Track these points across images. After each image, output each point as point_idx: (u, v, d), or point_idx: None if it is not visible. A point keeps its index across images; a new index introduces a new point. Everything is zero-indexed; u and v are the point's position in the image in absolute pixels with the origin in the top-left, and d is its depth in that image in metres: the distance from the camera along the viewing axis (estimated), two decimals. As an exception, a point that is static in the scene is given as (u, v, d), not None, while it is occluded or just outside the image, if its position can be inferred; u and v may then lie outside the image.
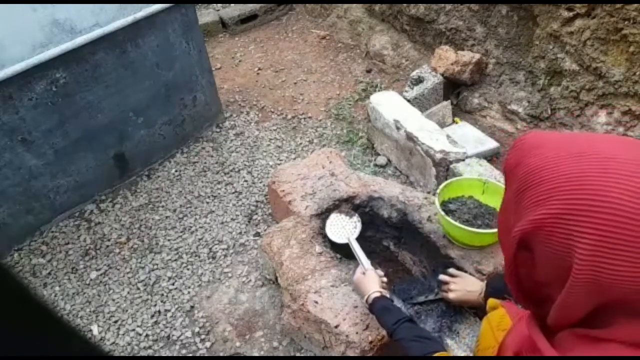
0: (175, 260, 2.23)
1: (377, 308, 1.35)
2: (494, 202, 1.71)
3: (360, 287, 1.47)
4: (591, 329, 0.58)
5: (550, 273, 0.59)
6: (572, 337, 0.61)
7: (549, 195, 0.57)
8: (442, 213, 1.62)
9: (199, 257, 2.24)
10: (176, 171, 2.72)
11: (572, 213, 0.54)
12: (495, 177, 2.13)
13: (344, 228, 1.87)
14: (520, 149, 0.66)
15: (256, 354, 1.84)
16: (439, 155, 2.24)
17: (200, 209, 2.48)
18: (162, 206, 2.51)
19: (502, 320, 1.00)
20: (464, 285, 1.49)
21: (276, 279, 1.92)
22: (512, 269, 0.67)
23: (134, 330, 1.96)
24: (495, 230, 1.58)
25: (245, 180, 2.63)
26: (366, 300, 1.41)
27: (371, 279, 1.45)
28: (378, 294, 1.39)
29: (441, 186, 1.73)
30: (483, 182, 1.74)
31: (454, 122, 2.82)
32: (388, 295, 1.40)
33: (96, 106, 2.33)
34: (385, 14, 3.49)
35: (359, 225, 1.88)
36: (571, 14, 2.26)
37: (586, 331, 0.59)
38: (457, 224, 1.58)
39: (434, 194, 2.20)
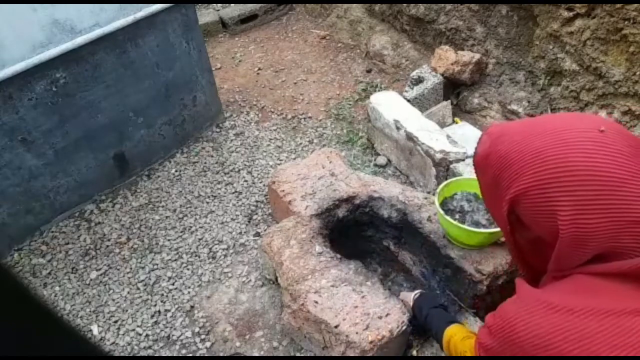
0: (175, 260, 2.23)
1: (422, 297, 1.50)
2: None
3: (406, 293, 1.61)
4: (579, 267, 0.68)
5: (542, 232, 0.70)
6: (550, 277, 0.73)
7: (520, 172, 0.68)
8: (442, 212, 1.62)
9: (199, 257, 2.24)
10: (176, 171, 2.72)
11: (547, 182, 0.65)
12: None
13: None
14: (487, 141, 0.77)
15: (256, 354, 1.84)
16: (439, 155, 2.24)
17: (200, 209, 2.48)
18: (162, 206, 2.51)
19: None
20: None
21: (276, 279, 1.92)
22: (510, 238, 0.76)
23: (134, 330, 1.96)
24: (493, 230, 1.58)
25: (245, 180, 2.63)
26: (414, 295, 1.53)
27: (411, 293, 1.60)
28: (423, 292, 1.56)
29: (441, 186, 1.73)
30: None
31: (454, 122, 2.82)
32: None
33: (96, 106, 2.33)
34: (385, 14, 3.49)
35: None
36: (571, 14, 2.26)
37: (570, 271, 0.69)
38: (456, 222, 1.58)
39: (434, 194, 2.21)
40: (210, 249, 2.27)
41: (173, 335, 1.93)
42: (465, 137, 2.56)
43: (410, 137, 2.38)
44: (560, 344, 0.63)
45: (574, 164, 0.63)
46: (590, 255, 0.66)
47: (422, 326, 1.44)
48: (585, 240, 0.64)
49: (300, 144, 2.88)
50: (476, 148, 0.80)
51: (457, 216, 1.67)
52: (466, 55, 2.80)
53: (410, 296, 1.53)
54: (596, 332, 0.62)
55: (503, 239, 1.65)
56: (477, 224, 1.64)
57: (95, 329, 1.97)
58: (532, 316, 0.68)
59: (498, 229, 1.57)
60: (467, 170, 2.18)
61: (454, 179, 1.80)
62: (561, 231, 0.64)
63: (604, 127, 0.65)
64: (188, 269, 2.18)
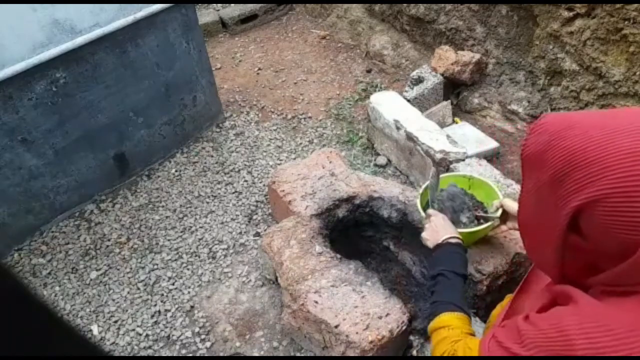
0: (175, 260, 2.23)
1: (446, 249, 1.19)
2: (480, 197, 1.66)
3: (439, 227, 1.28)
4: None
5: (609, 244, 0.58)
6: (601, 291, 0.62)
7: (601, 174, 0.56)
8: (423, 214, 1.53)
9: (199, 257, 2.24)
10: (176, 171, 2.72)
11: (638, 188, 0.53)
12: (495, 176, 2.13)
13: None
14: (545, 133, 0.64)
15: (256, 354, 1.84)
16: (439, 155, 2.24)
17: (200, 209, 2.48)
18: (162, 206, 2.51)
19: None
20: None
21: (276, 279, 1.92)
22: (559, 247, 0.64)
23: (134, 330, 1.96)
24: (471, 229, 1.52)
25: (245, 180, 2.63)
26: (442, 239, 1.22)
27: (451, 228, 1.29)
28: (456, 241, 1.22)
29: (423, 186, 1.65)
30: (468, 178, 1.71)
31: (454, 122, 2.82)
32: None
33: (96, 106, 2.33)
34: (385, 14, 3.49)
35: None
36: (571, 14, 2.26)
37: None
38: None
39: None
40: (210, 249, 2.27)
41: (173, 335, 1.93)
42: (465, 137, 2.56)
43: (410, 137, 2.38)
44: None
45: None
46: None
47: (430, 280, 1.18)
48: None
49: (300, 144, 2.88)
50: (526, 140, 0.68)
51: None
52: (466, 55, 2.80)
53: (438, 237, 1.23)
54: None
55: (490, 233, 1.62)
56: (458, 221, 1.57)
57: (95, 329, 1.97)
58: (604, 334, 0.58)
59: (478, 228, 1.51)
60: (467, 170, 2.17)
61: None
62: None
63: None
64: (188, 269, 2.18)
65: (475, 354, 0.79)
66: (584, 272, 0.66)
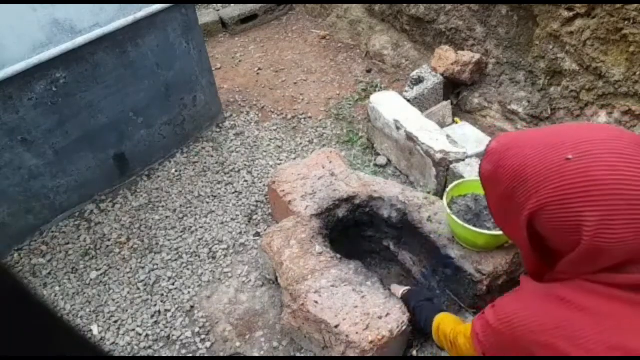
0: (175, 260, 2.23)
1: (411, 292, 1.59)
2: None
3: (397, 291, 1.66)
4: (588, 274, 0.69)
5: (560, 243, 0.69)
6: (551, 279, 0.75)
7: (538, 186, 0.67)
8: (449, 211, 1.61)
9: (199, 257, 2.24)
10: (176, 171, 2.72)
11: (570, 196, 0.64)
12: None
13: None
14: (494, 154, 0.75)
15: (256, 354, 1.84)
16: (439, 155, 2.24)
17: (200, 209, 2.48)
18: (162, 206, 2.51)
19: None
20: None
21: (276, 279, 1.92)
22: (528, 250, 0.76)
23: (134, 330, 1.96)
24: (498, 232, 1.57)
25: (245, 180, 2.63)
26: (402, 291, 1.61)
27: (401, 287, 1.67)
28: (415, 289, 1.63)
29: (451, 185, 1.73)
30: None
31: (454, 122, 2.82)
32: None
33: (96, 106, 2.33)
34: (385, 14, 3.49)
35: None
36: (571, 14, 2.26)
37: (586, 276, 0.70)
38: (462, 222, 1.57)
39: (434, 194, 2.21)
40: (210, 249, 2.27)
41: (173, 335, 1.93)
42: (465, 137, 2.56)
43: (410, 137, 2.38)
44: (553, 332, 0.68)
45: (597, 176, 0.62)
46: (603, 266, 0.66)
47: (413, 317, 1.52)
48: (605, 251, 0.63)
49: (300, 144, 2.88)
50: (482, 162, 0.79)
51: (464, 216, 1.67)
52: (466, 55, 2.80)
53: (399, 291, 1.61)
54: (594, 332, 0.65)
55: (509, 242, 1.65)
56: (482, 225, 1.63)
57: (95, 329, 1.97)
58: (531, 314, 0.72)
59: (498, 233, 1.57)
60: (467, 170, 2.18)
61: (466, 179, 1.79)
62: (583, 243, 0.64)
63: (619, 136, 0.65)
64: (188, 269, 2.18)
65: (467, 331, 0.96)
66: (550, 267, 0.76)
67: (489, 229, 1.61)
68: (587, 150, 0.64)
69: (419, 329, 1.61)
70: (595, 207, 0.62)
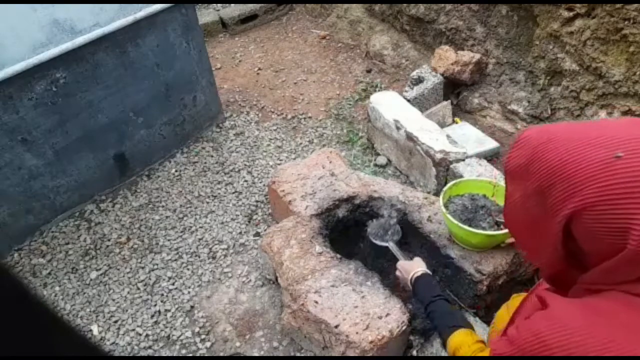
0: (175, 260, 2.23)
1: (420, 282, 1.34)
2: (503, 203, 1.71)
3: (405, 267, 1.43)
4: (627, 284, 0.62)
5: (598, 247, 0.62)
6: (581, 290, 0.68)
7: (583, 184, 0.60)
8: (444, 210, 1.62)
9: (199, 257, 2.24)
10: (176, 171, 2.72)
11: (619, 196, 0.57)
12: (495, 177, 2.13)
13: (385, 232, 1.81)
14: (527, 146, 0.68)
15: (256, 354, 1.84)
16: (439, 155, 2.24)
17: (200, 209, 2.48)
18: (162, 206, 2.51)
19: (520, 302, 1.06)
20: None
21: (276, 279, 1.92)
22: (556, 252, 0.68)
23: (134, 330, 1.96)
24: (491, 232, 1.57)
25: (245, 180, 2.63)
26: (410, 278, 1.36)
27: (417, 262, 1.44)
28: (422, 272, 1.36)
29: (449, 184, 1.73)
30: (493, 185, 1.73)
31: (454, 122, 2.82)
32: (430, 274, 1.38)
33: (96, 106, 2.33)
34: (385, 14, 3.49)
35: (399, 231, 1.82)
36: (571, 14, 2.26)
37: (623, 287, 0.63)
38: (456, 221, 1.58)
39: (434, 194, 2.21)
40: (210, 249, 2.27)
41: (173, 335, 1.93)
42: (465, 137, 2.56)
43: (410, 137, 2.38)
44: (597, 353, 0.60)
45: None
46: (638, 275, 0.61)
47: (417, 297, 1.34)
48: None
49: (300, 144, 2.88)
50: (509, 154, 0.72)
51: (460, 215, 1.67)
52: (466, 55, 2.80)
53: (409, 274, 1.38)
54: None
55: (507, 241, 1.65)
56: (478, 225, 1.64)
57: (95, 329, 1.97)
58: (568, 334, 0.63)
59: (497, 232, 1.57)
60: (467, 170, 2.18)
61: (463, 179, 1.80)
62: (629, 248, 0.58)
63: None
64: (188, 269, 2.18)
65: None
66: (577, 273, 0.69)
67: (484, 228, 1.62)
68: (636, 147, 0.58)
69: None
70: None
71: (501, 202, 1.70)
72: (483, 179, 1.88)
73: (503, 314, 1.21)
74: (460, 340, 1.07)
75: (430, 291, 1.28)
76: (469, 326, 1.13)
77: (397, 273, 1.47)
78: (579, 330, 0.63)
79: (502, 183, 1.74)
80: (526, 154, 0.68)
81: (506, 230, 1.56)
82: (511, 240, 1.64)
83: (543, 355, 0.65)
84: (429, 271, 1.38)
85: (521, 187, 0.70)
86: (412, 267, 1.40)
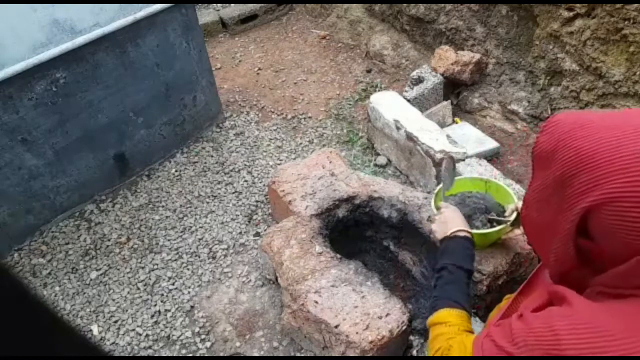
0: (175, 260, 2.23)
1: (453, 242, 1.15)
2: (497, 200, 1.69)
3: (449, 216, 1.24)
4: None
5: (614, 245, 0.58)
6: (598, 293, 0.63)
7: (610, 177, 0.56)
8: (435, 212, 1.59)
9: (199, 257, 2.24)
10: (176, 171, 2.72)
11: None
12: (495, 177, 2.14)
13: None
14: (556, 132, 0.64)
15: (256, 354, 1.84)
16: (439, 155, 2.24)
17: (200, 209, 2.48)
18: (162, 206, 2.51)
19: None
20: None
21: (276, 279, 1.92)
22: (567, 247, 0.63)
23: (134, 330, 1.96)
24: (485, 231, 1.55)
25: (245, 180, 2.63)
26: (449, 233, 1.18)
27: (462, 219, 1.25)
28: (464, 234, 1.18)
29: (439, 185, 1.72)
30: (485, 182, 1.73)
31: (454, 122, 2.82)
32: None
33: (96, 106, 2.33)
34: (385, 14, 3.49)
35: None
36: (571, 14, 2.26)
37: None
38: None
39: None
40: (210, 249, 2.27)
41: (173, 335, 1.93)
42: (465, 137, 2.56)
43: (410, 137, 2.38)
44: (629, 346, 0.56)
45: None
46: None
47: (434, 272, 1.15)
48: None
49: (300, 144, 2.88)
50: (538, 137, 0.68)
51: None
52: (466, 55, 2.80)
53: (446, 229, 1.19)
54: None
55: (504, 237, 1.64)
56: (471, 224, 1.61)
57: (95, 329, 1.97)
58: (594, 336, 0.58)
59: (490, 230, 1.54)
60: (467, 170, 2.18)
61: (456, 178, 1.79)
62: None
63: None
64: (188, 269, 2.18)
65: (469, 352, 0.79)
66: (587, 273, 0.66)
67: (477, 227, 1.59)
68: None
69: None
70: None
71: (493, 199, 1.67)
72: (475, 176, 1.87)
73: (494, 313, 1.19)
74: (447, 316, 0.97)
75: (458, 256, 1.10)
76: (469, 313, 1.03)
77: (436, 218, 1.28)
78: (610, 335, 0.58)
79: (493, 180, 1.72)
80: (554, 139, 0.64)
81: (498, 228, 1.53)
82: (507, 235, 1.62)
83: (551, 354, 0.61)
84: (470, 236, 1.18)
85: (543, 173, 0.67)
86: (457, 224, 1.19)
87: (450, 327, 0.95)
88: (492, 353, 0.70)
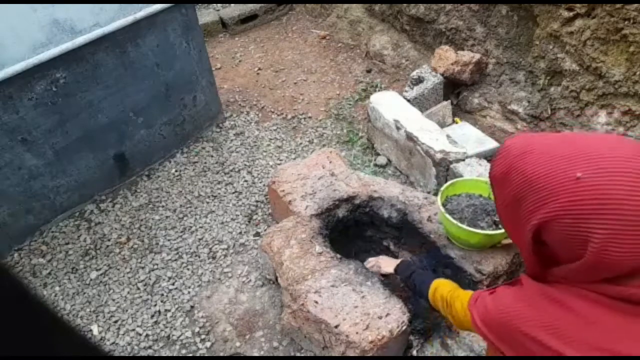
0: (175, 260, 2.23)
1: (401, 265, 1.49)
2: None
3: (385, 261, 1.64)
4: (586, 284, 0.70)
5: (564, 253, 0.70)
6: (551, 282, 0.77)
7: (551, 198, 0.66)
8: (443, 210, 1.62)
9: (199, 257, 2.24)
10: (176, 171, 2.72)
11: (583, 212, 0.63)
12: (495, 177, 2.13)
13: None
14: (508, 156, 0.74)
15: (256, 354, 1.84)
16: (439, 155, 2.24)
17: (200, 209, 2.48)
18: (162, 206, 2.51)
19: None
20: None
21: (276, 279, 1.92)
22: (531, 257, 0.77)
23: (134, 330, 1.96)
24: (491, 232, 1.58)
25: (245, 180, 2.63)
26: (395, 270, 1.51)
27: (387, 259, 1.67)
28: (400, 260, 1.55)
29: (446, 184, 1.73)
30: (490, 185, 1.73)
31: (454, 122, 2.82)
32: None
33: (96, 106, 2.33)
34: (385, 14, 3.49)
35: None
36: (571, 14, 2.26)
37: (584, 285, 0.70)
38: (455, 221, 1.57)
39: (435, 194, 2.21)
40: (210, 249, 2.27)
41: (173, 335, 1.93)
42: (465, 137, 2.56)
43: (410, 137, 2.38)
44: (546, 329, 0.71)
45: (615, 197, 0.61)
46: (603, 277, 0.67)
47: (407, 285, 1.44)
48: (607, 266, 0.64)
49: (300, 144, 2.88)
50: (493, 161, 0.78)
51: (458, 215, 1.67)
52: (466, 55, 2.80)
53: (391, 265, 1.55)
54: (584, 333, 0.68)
55: (503, 242, 1.66)
56: (476, 225, 1.64)
57: (95, 329, 1.97)
58: (532, 300, 0.75)
59: (496, 232, 1.58)
60: (467, 170, 2.18)
61: (460, 178, 1.80)
62: (588, 256, 0.64)
63: (636, 154, 0.63)
64: (188, 269, 2.18)
65: (466, 300, 0.97)
66: (549, 269, 0.77)
67: (482, 228, 1.62)
68: (603, 167, 0.63)
69: (416, 295, 1.62)
70: (604, 225, 0.62)
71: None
72: (480, 178, 1.88)
73: None
74: (439, 281, 1.22)
75: (413, 266, 1.45)
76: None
77: (373, 261, 1.69)
78: (535, 306, 0.74)
79: None
80: (506, 164, 0.74)
81: (503, 230, 1.56)
82: (507, 241, 1.64)
83: (506, 322, 0.77)
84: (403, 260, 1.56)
85: (503, 193, 0.77)
86: (387, 261, 1.62)
87: (445, 285, 1.18)
88: (472, 313, 0.88)
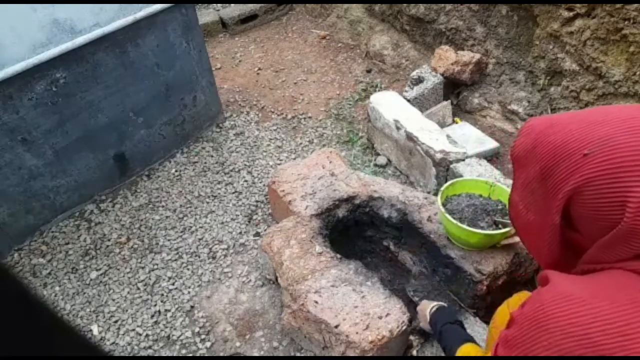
0: (175, 260, 2.23)
1: (437, 312, 1.40)
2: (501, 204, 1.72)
3: (422, 306, 1.53)
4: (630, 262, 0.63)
5: (596, 225, 0.65)
6: (579, 271, 0.70)
7: (584, 161, 0.62)
8: (443, 209, 1.62)
9: (199, 257, 2.24)
10: (176, 171, 2.72)
11: (619, 169, 0.60)
12: (495, 177, 2.14)
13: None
14: (532, 132, 0.71)
15: (256, 354, 1.84)
16: (439, 155, 2.24)
17: (200, 209, 2.48)
18: (162, 206, 2.51)
19: (521, 299, 1.05)
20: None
21: (276, 279, 1.92)
22: (554, 236, 0.70)
23: (134, 330, 1.96)
24: (490, 232, 1.58)
25: (245, 180, 2.63)
26: (429, 310, 1.43)
27: (425, 302, 1.53)
28: (437, 305, 1.44)
29: (446, 184, 1.74)
30: (490, 185, 1.73)
31: (454, 122, 2.82)
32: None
33: (96, 106, 2.33)
34: (385, 14, 3.49)
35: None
36: (571, 14, 2.26)
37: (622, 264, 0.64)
38: (455, 221, 1.58)
39: (435, 194, 2.21)
40: (210, 249, 2.27)
41: (173, 335, 1.93)
42: (465, 137, 2.56)
43: (410, 137, 2.38)
44: (598, 337, 0.58)
45: None
46: (635, 252, 0.62)
47: (437, 340, 1.34)
48: None
49: (300, 144, 2.88)
50: (515, 142, 0.75)
51: (458, 215, 1.67)
52: (466, 55, 2.80)
53: (427, 308, 1.44)
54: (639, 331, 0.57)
55: (503, 242, 1.66)
56: (476, 225, 1.64)
57: (95, 329, 1.97)
58: (570, 303, 0.62)
59: (496, 232, 1.57)
60: (467, 170, 2.18)
61: (460, 178, 1.81)
62: (625, 221, 0.60)
63: None
64: (188, 269, 2.18)
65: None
66: (574, 259, 0.72)
67: (482, 228, 1.62)
68: (635, 125, 0.61)
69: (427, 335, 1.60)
70: None
71: (498, 203, 1.71)
72: (480, 178, 1.89)
73: (504, 311, 1.21)
74: (468, 349, 1.10)
75: (448, 317, 1.32)
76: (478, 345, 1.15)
77: (418, 307, 1.56)
78: (582, 300, 0.62)
79: (500, 183, 1.74)
80: (531, 140, 0.71)
81: (504, 230, 1.57)
82: (506, 242, 1.65)
83: (545, 326, 0.63)
84: (443, 304, 1.45)
85: (524, 173, 0.73)
86: (427, 308, 1.46)
87: (471, 354, 1.07)
88: (499, 347, 0.74)
